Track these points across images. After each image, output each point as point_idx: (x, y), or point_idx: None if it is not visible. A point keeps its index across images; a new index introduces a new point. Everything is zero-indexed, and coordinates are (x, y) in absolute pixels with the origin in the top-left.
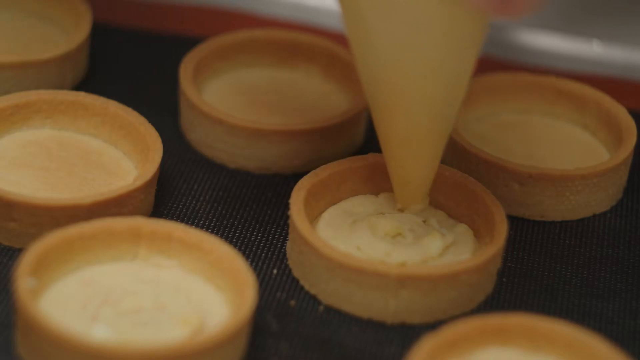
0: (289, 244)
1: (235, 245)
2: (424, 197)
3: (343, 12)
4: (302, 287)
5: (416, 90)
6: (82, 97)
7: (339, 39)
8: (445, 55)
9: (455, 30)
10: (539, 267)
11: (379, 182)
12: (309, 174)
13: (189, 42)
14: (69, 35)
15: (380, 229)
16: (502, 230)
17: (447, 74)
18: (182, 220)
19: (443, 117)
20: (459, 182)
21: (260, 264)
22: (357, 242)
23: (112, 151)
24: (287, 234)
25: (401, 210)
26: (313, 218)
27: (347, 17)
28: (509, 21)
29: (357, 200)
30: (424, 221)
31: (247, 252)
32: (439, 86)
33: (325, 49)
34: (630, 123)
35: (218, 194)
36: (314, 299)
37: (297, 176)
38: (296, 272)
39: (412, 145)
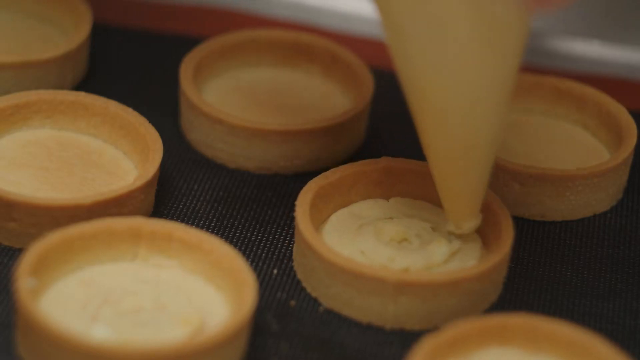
0: (294, 246)
1: (235, 246)
2: (475, 214)
3: (382, 20)
4: (302, 288)
5: (459, 99)
6: (82, 97)
7: (340, 39)
8: (486, 62)
9: (495, 35)
10: (539, 267)
11: (390, 186)
12: (319, 176)
13: (189, 42)
14: (69, 35)
15: (386, 234)
16: (507, 238)
17: (490, 82)
18: (182, 221)
19: (489, 126)
20: None
21: (260, 264)
22: (361, 246)
23: (112, 151)
24: (287, 234)
25: (453, 233)
26: (321, 220)
27: (385, 26)
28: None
29: (367, 204)
30: (433, 228)
31: (247, 252)
32: (482, 93)
33: (325, 49)
34: (631, 123)
35: (218, 194)
36: (314, 299)
37: (297, 176)
38: (300, 275)
39: (458, 156)
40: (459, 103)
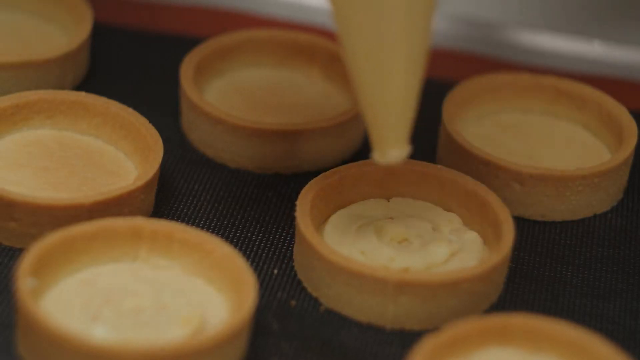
0: (295, 246)
1: (235, 245)
2: (401, 142)
3: None
4: (302, 288)
5: (371, 10)
6: (83, 97)
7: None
8: None
9: None
10: (539, 267)
11: (391, 187)
12: (319, 176)
13: (189, 42)
14: (69, 35)
15: (386, 234)
16: (508, 238)
17: None
18: (182, 221)
19: (406, 40)
20: (470, 190)
21: (261, 264)
22: (362, 246)
23: (112, 151)
24: (288, 234)
25: (379, 160)
26: (322, 221)
27: None
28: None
29: (368, 204)
30: (434, 228)
31: (247, 252)
32: (396, 6)
33: (325, 49)
34: (631, 123)
35: (219, 194)
36: (314, 299)
37: (297, 176)
38: (300, 275)
39: (376, 73)
40: (371, 13)
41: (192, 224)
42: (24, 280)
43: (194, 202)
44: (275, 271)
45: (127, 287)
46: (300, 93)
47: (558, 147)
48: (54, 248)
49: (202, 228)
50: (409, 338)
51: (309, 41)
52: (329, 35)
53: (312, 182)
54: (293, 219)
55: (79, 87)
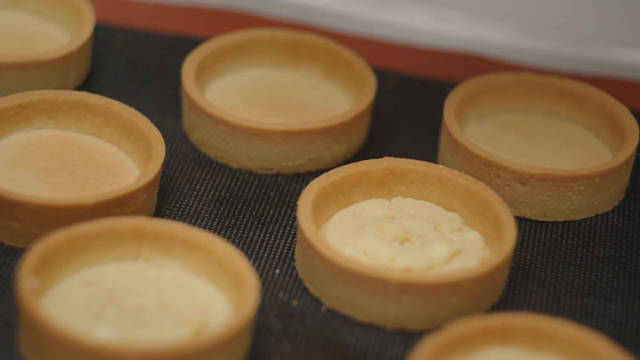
0: (296, 246)
1: (237, 245)
2: None
3: None
4: (304, 288)
5: None
6: (85, 97)
7: (342, 39)
8: None
9: None
10: (541, 267)
11: (392, 186)
12: (321, 176)
13: (191, 43)
14: (71, 35)
15: (388, 234)
16: (510, 238)
17: None
18: (184, 220)
19: None
20: (472, 189)
21: (262, 264)
22: (363, 246)
23: (114, 151)
24: (289, 234)
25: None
26: (324, 220)
27: None
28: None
29: (369, 204)
30: (435, 228)
31: (249, 252)
32: None
33: (327, 49)
34: (633, 123)
35: (220, 194)
36: (316, 299)
37: (299, 176)
38: (302, 274)
39: None
40: None
41: (194, 224)
42: (26, 279)
43: (196, 202)
44: (277, 271)
45: (129, 287)
46: (301, 93)
47: (560, 147)
48: (56, 248)
49: (204, 228)
50: (410, 338)
51: (310, 41)
52: (330, 35)
53: (313, 182)
54: (294, 219)
55: (81, 87)
